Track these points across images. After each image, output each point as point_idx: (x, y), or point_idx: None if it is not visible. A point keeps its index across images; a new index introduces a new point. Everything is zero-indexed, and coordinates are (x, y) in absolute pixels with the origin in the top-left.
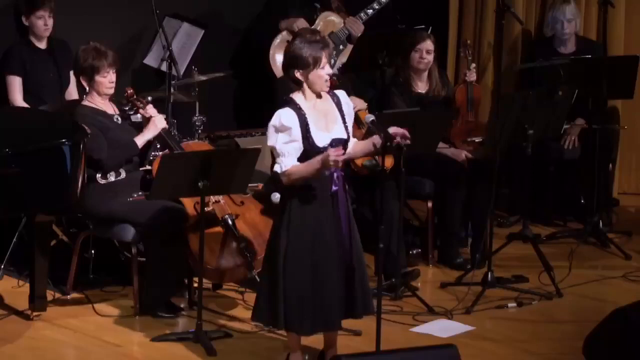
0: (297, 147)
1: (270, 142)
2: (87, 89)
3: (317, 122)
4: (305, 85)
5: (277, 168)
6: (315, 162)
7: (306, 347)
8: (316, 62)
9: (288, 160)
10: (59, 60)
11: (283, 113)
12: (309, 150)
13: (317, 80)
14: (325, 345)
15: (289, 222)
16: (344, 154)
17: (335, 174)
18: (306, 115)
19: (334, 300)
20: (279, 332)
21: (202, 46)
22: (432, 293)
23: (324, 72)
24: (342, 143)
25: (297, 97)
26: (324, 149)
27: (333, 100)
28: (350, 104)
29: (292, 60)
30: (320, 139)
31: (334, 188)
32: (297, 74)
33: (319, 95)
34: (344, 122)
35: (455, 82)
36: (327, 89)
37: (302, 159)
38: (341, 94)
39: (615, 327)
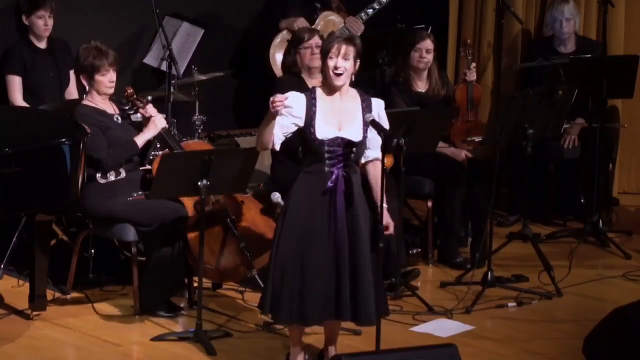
0: (287, 123)
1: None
2: (87, 87)
3: (327, 117)
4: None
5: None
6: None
7: (306, 347)
8: (327, 52)
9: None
10: (59, 60)
11: (293, 94)
12: (309, 140)
13: (326, 70)
14: (325, 342)
15: (285, 211)
16: (283, 102)
17: (334, 172)
18: (316, 106)
19: (311, 297)
20: (279, 332)
21: (202, 46)
22: (432, 292)
23: (331, 63)
24: (347, 144)
25: (319, 89)
26: (323, 142)
27: (362, 104)
28: (382, 115)
29: (320, 50)
30: (324, 133)
31: (329, 185)
32: (321, 64)
33: (339, 92)
34: (365, 127)
35: (455, 81)
36: (336, 83)
37: (303, 150)
38: (376, 103)
39: (615, 326)
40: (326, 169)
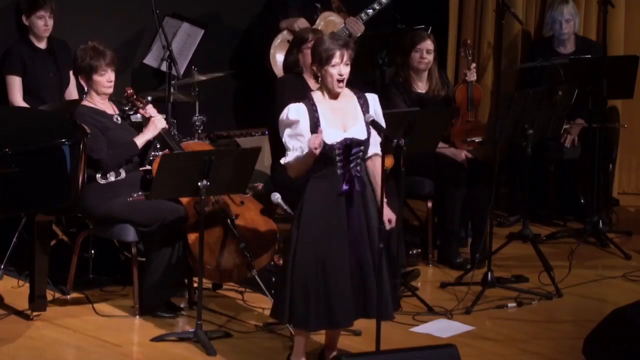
0: (304, 141)
1: (281, 136)
2: (86, 88)
3: (330, 120)
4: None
5: (282, 160)
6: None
7: (307, 346)
8: (328, 59)
9: (293, 153)
10: (59, 60)
11: (292, 107)
12: None
13: (327, 77)
14: (326, 344)
15: (299, 217)
16: (322, 141)
17: (347, 174)
18: (318, 112)
19: (340, 299)
20: (279, 332)
21: (202, 46)
22: (432, 293)
23: (334, 71)
24: (356, 143)
25: (316, 94)
26: (333, 145)
27: (359, 101)
28: (377, 109)
29: (312, 54)
30: (332, 136)
31: (344, 187)
32: (314, 68)
33: (337, 95)
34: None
35: (455, 82)
36: (338, 90)
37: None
38: (371, 98)
39: (615, 327)
40: (339, 171)
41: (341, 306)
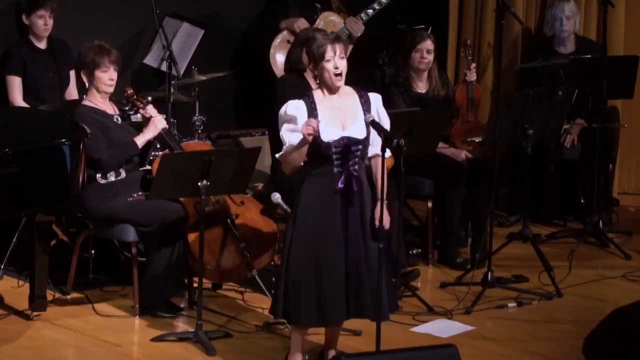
0: (298, 138)
1: (279, 131)
2: (87, 85)
3: (329, 118)
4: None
5: (277, 155)
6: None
7: (306, 347)
8: (321, 55)
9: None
10: (59, 60)
11: (291, 103)
12: (316, 144)
13: (323, 73)
14: (325, 344)
15: (295, 214)
16: (316, 127)
17: (344, 173)
18: (317, 110)
19: (332, 297)
20: (279, 332)
21: (202, 46)
22: (432, 293)
23: (329, 66)
24: (354, 142)
25: (316, 92)
26: (330, 144)
27: (360, 100)
28: (381, 110)
29: (307, 55)
30: (329, 135)
31: (339, 185)
32: (310, 68)
33: (337, 92)
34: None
35: (455, 82)
36: (338, 84)
37: (310, 153)
38: (374, 97)
39: (615, 327)
40: (335, 169)
41: (333, 304)
